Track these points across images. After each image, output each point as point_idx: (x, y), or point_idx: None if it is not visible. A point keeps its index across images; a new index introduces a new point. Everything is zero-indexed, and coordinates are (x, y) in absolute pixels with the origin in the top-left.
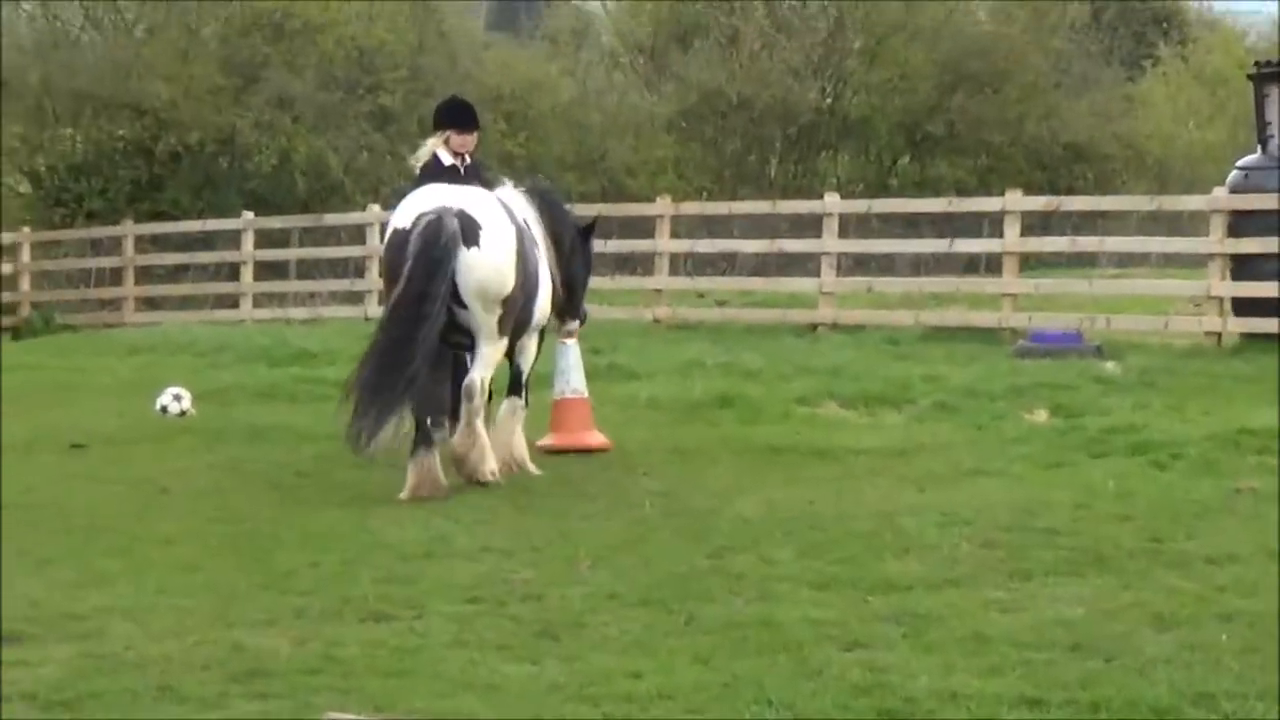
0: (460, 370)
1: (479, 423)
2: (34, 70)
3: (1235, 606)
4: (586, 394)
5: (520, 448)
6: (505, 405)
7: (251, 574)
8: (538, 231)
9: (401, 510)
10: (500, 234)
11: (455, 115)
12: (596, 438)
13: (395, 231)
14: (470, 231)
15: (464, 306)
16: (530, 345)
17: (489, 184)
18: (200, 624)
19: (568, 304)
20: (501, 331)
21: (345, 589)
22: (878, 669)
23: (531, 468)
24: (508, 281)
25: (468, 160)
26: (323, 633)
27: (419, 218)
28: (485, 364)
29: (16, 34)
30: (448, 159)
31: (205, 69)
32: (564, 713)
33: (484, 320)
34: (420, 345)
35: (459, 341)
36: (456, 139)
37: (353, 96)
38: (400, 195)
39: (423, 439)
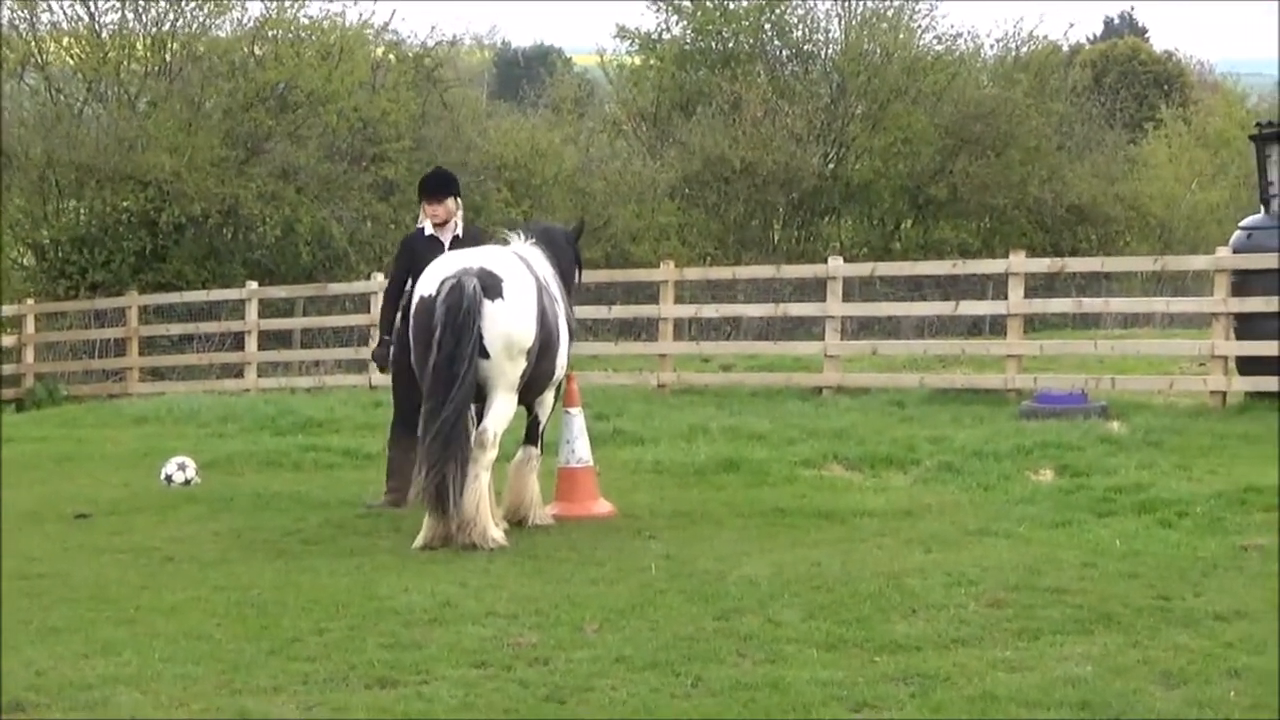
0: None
1: (486, 477)
2: (37, 144)
3: (1243, 663)
4: (592, 463)
5: (533, 495)
6: (520, 453)
7: (257, 641)
8: (555, 286)
9: (407, 576)
10: (521, 286)
11: (424, 185)
12: (602, 506)
13: (421, 299)
14: (491, 286)
15: (486, 357)
16: (549, 397)
17: (501, 244)
18: (206, 692)
19: None
20: (519, 385)
21: (351, 655)
22: None
23: (545, 513)
24: (530, 332)
25: (458, 229)
26: (329, 699)
27: (442, 283)
28: (500, 415)
29: (20, 108)
30: (429, 229)
31: (208, 141)
32: None
33: (505, 370)
34: (457, 406)
35: (483, 395)
36: (429, 208)
37: (356, 167)
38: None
39: (445, 494)
